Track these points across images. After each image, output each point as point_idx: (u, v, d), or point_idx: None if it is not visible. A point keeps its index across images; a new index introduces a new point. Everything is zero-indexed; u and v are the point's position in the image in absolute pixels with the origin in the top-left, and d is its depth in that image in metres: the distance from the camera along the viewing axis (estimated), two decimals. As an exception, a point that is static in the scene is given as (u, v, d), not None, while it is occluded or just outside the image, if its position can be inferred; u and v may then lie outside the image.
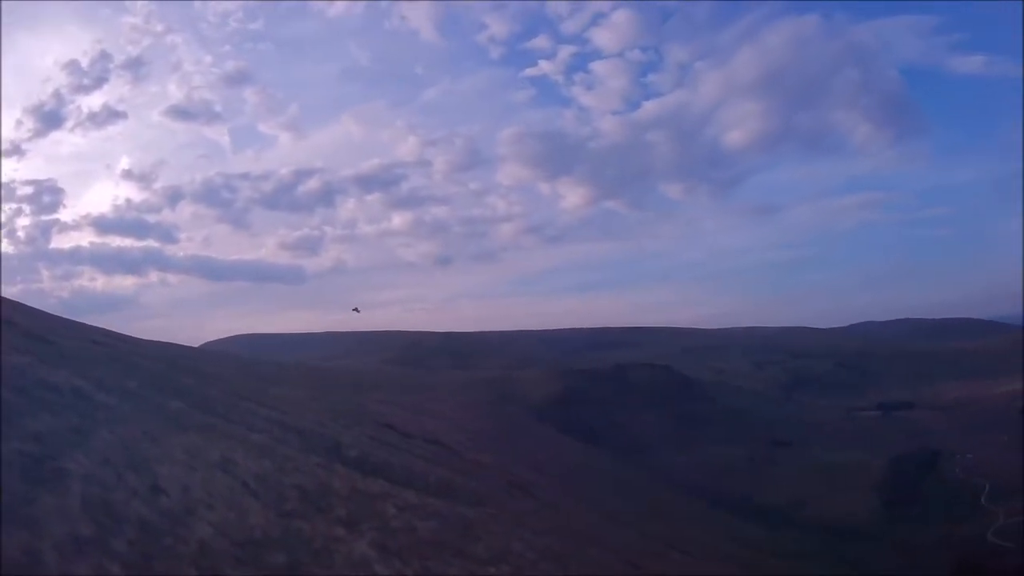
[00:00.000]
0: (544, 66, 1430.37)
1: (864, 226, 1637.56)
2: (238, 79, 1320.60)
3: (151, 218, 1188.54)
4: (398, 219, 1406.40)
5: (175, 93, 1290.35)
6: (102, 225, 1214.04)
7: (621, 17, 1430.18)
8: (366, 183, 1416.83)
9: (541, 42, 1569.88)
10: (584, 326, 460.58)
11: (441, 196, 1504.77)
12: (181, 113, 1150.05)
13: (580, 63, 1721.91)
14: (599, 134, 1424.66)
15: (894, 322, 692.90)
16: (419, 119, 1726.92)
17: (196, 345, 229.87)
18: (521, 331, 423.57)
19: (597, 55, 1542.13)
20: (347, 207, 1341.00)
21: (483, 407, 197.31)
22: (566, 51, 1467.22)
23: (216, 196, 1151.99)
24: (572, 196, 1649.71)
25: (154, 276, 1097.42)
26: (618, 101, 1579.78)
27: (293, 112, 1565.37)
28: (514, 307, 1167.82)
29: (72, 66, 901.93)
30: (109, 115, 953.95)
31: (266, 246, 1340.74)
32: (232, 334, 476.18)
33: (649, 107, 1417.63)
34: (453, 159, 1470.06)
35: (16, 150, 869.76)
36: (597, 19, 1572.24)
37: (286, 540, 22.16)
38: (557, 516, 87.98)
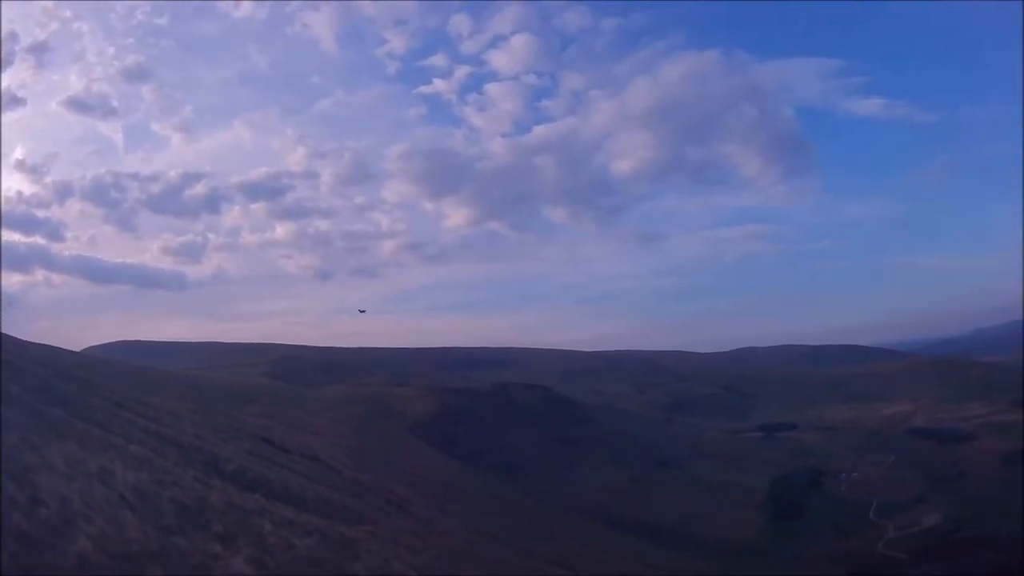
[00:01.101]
0: (439, 84, 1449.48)
1: (749, 256, 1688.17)
2: (138, 75, 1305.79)
3: (40, 213, 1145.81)
4: (281, 230, 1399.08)
5: (75, 84, 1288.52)
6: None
7: (520, 41, 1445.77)
8: (252, 191, 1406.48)
9: (439, 60, 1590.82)
10: (463, 345, 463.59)
11: (326, 209, 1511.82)
12: (79, 105, 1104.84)
13: (475, 84, 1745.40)
14: (488, 155, 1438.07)
15: (777, 348, 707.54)
16: (310, 129, 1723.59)
17: (78, 350, 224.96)
18: (399, 348, 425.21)
19: (493, 77, 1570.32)
20: (232, 215, 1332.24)
21: (361, 423, 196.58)
22: (462, 71, 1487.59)
23: (105, 195, 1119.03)
24: (456, 216, 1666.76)
25: (40, 275, 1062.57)
26: (509, 124, 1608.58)
27: (187, 114, 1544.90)
28: (393, 324, 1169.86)
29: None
30: (10, 100, 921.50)
31: (150, 250, 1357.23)
32: (114, 340, 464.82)
33: (540, 131, 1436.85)
34: (340, 172, 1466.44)
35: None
36: (497, 41, 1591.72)
37: (164, 555, 22.36)
38: (436, 535, 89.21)
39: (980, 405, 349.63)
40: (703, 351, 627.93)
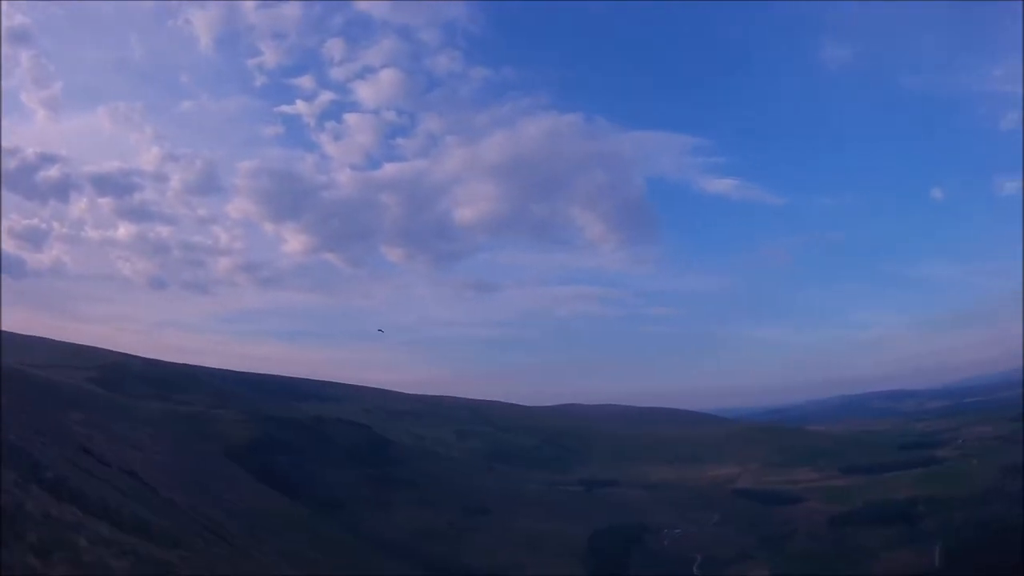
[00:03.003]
0: (301, 106, 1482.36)
1: (581, 316, 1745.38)
2: (21, 37, 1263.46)
3: None
4: (124, 230, 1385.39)
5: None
6: None
7: (388, 76, 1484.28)
8: (102, 184, 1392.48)
9: (306, 81, 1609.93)
10: (287, 374, 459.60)
11: (170, 215, 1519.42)
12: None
13: (336, 111, 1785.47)
14: (334, 185, 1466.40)
15: (603, 406, 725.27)
16: (169, 130, 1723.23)
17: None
18: (223, 369, 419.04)
19: (354, 107, 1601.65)
20: (79, 206, 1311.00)
21: (181, 443, 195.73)
22: (326, 96, 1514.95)
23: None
24: (294, 242, 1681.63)
25: None
26: (361, 157, 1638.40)
27: (56, 90, 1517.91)
28: (219, 343, 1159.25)
29: None
30: None
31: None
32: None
33: (389, 169, 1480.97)
34: (189, 180, 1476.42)
35: None
36: (365, 72, 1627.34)
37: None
38: (252, 564, 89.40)
39: (808, 470, 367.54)
40: (527, 404, 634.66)
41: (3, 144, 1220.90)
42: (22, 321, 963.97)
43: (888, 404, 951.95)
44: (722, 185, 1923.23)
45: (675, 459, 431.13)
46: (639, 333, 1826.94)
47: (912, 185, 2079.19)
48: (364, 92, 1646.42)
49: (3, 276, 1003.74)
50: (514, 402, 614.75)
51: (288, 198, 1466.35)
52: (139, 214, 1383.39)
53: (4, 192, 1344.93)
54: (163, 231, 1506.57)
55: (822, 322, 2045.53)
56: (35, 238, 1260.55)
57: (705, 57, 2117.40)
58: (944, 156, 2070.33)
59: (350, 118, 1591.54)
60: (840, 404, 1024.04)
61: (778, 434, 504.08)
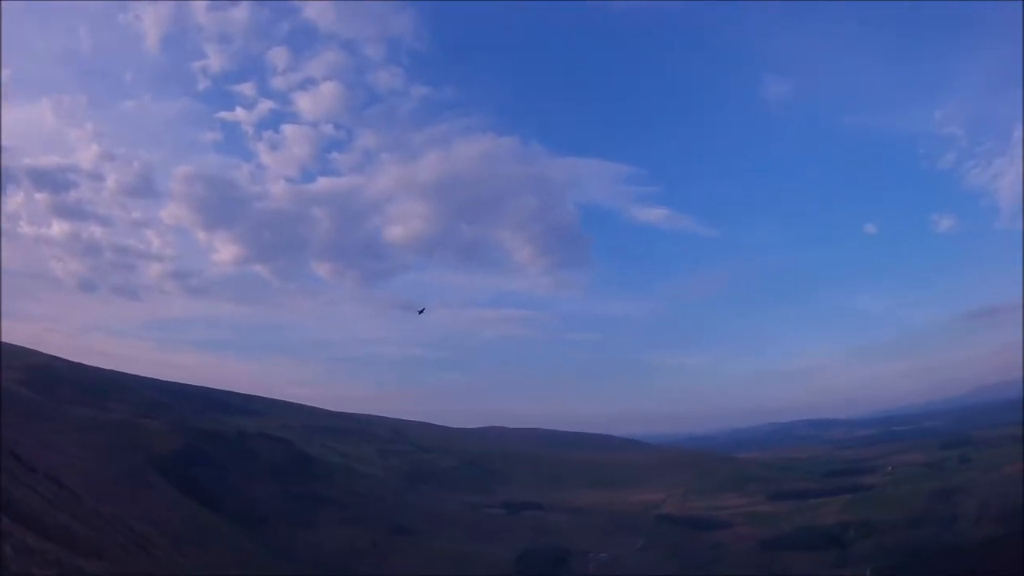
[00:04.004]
0: (240, 114, 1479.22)
1: (507, 338, 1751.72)
2: None
3: None
4: (58, 228, 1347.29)
5: None
6: None
7: (329, 89, 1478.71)
8: (39, 179, 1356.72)
9: (247, 89, 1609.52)
10: (212, 385, 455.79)
11: (104, 216, 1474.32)
12: None
13: (274, 121, 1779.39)
14: (268, 196, 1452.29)
15: (526, 429, 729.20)
16: (109, 128, 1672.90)
17: None
18: (148, 378, 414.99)
19: (293, 118, 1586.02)
20: (16, 199, 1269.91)
21: (106, 452, 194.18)
22: (266, 105, 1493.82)
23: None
24: (225, 251, 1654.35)
25: None
26: (296, 169, 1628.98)
27: (4, 78, 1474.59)
28: (145, 351, 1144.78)
29: None
30: None
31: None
32: None
33: (324, 183, 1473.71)
34: (125, 181, 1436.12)
35: None
36: (307, 84, 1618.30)
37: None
38: None
39: (734, 496, 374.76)
40: (450, 425, 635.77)
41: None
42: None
43: (815, 432, 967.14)
44: (653, 214, 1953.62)
45: (600, 484, 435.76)
46: (565, 357, 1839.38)
47: (846, 220, 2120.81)
48: (304, 103, 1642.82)
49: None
50: (437, 423, 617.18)
51: (222, 206, 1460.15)
52: (74, 212, 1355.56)
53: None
54: (96, 232, 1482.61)
55: (751, 351, 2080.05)
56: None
57: (644, 87, 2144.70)
58: (880, 193, 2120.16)
59: (288, 129, 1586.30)
60: (767, 432, 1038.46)
61: (704, 460, 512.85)
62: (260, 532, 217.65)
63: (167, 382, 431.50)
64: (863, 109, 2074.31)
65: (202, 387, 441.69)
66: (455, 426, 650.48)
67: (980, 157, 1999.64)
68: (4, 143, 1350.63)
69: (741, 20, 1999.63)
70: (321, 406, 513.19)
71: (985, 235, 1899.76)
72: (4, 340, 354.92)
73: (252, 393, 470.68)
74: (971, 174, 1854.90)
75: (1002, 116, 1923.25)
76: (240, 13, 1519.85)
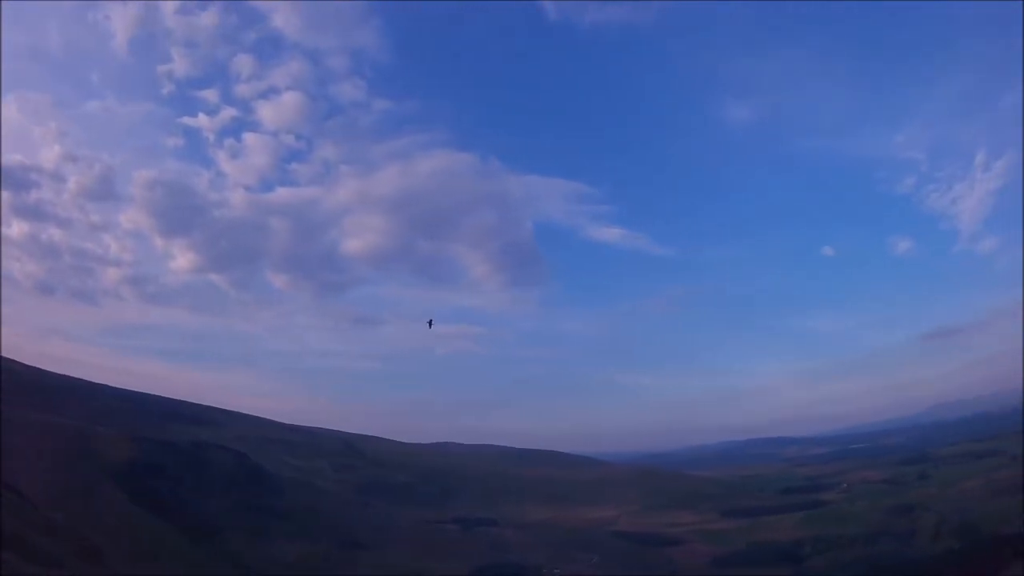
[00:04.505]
0: (203, 120, 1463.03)
1: (461, 355, 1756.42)
2: None
3: None
4: (17, 228, 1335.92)
5: None
6: None
7: (291, 99, 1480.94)
8: (2, 177, 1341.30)
9: (211, 95, 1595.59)
10: (165, 394, 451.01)
11: (64, 218, 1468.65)
12: None
13: (236, 129, 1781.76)
14: (227, 204, 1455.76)
15: (479, 446, 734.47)
16: (72, 128, 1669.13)
17: None
18: (102, 384, 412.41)
19: (255, 127, 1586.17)
20: None
21: (61, 459, 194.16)
22: (228, 113, 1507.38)
23: None
24: (182, 259, 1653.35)
25: None
26: (255, 178, 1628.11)
27: None
28: (100, 357, 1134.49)
29: None
30: None
31: None
32: None
33: (282, 193, 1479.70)
34: (87, 184, 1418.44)
35: None
36: (270, 93, 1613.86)
37: None
38: None
39: (688, 513, 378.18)
40: (404, 440, 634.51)
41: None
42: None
43: (771, 450, 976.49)
44: (609, 234, 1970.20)
45: (554, 500, 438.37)
46: (519, 374, 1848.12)
47: (804, 242, 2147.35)
48: (266, 113, 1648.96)
49: None
50: (391, 437, 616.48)
51: (180, 213, 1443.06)
52: (34, 213, 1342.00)
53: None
54: (55, 234, 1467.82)
55: (706, 370, 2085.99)
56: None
57: (605, 108, 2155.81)
58: (839, 216, 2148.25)
59: (249, 138, 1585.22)
60: (722, 450, 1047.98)
61: (657, 477, 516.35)
62: (213, 544, 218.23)
63: (122, 389, 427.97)
64: (824, 133, 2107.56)
65: (157, 396, 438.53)
66: (409, 441, 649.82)
67: (941, 181, 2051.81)
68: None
69: (704, 44, 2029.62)
70: (276, 418, 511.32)
71: (943, 258, 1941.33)
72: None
73: (207, 404, 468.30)
74: (931, 198, 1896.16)
75: (963, 142, 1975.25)
76: (209, 18, 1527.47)
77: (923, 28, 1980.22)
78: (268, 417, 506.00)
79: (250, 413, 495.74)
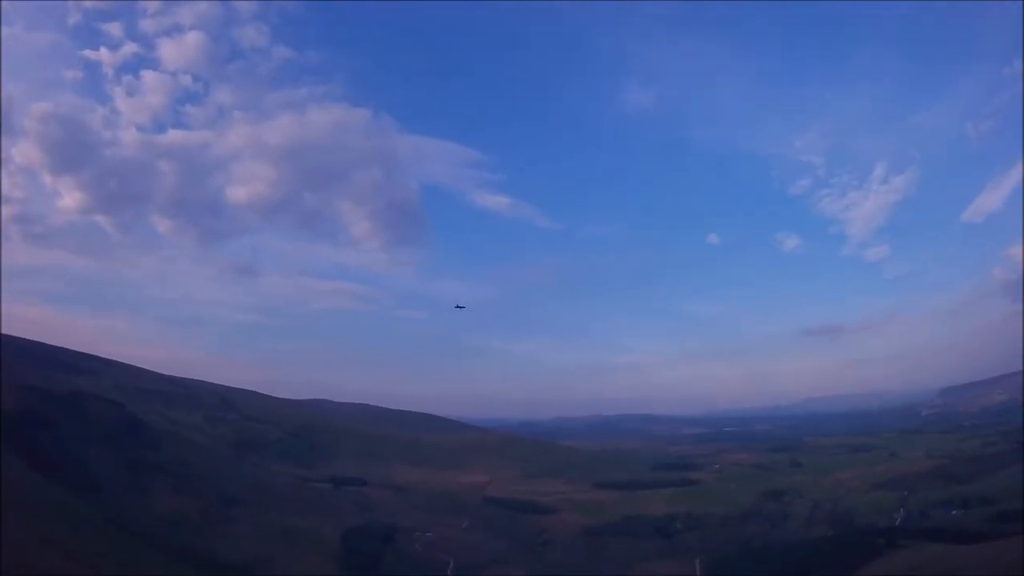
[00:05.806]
0: (104, 54, 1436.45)
1: (338, 311, 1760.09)
2: None
3: None
4: None
5: None
6: None
7: (194, 39, 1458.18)
8: None
9: (115, 29, 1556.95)
10: (46, 340, 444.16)
11: None
12: None
13: (135, 65, 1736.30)
14: (118, 143, 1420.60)
15: (352, 404, 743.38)
16: None
17: None
18: None
19: (154, 65, 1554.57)
20: None
21: None
22: (130, 48, 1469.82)
23: None
24: (69, 198, 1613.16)
25: None
26: (148, 118, 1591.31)
27: None
28: None
29: None
30: None
31: None
32: None
33: (174, 136, 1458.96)
34: None
35: None
36: (173, 31, 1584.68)
37: None
38: (10, 552, 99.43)
39: (560, 483, 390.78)
40: (276, 395, 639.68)
41: None
42: None
43: (642, 426, 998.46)
44: (496, 201, 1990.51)
45: (424, 463, 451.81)
46: (395, 334, 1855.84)
47: (689, 227, 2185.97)
48: (167, 51, 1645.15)
49: None
50: (264, 391, 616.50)
51: (72, 149, 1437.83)
52: None
53: None
54: None
55: (582, 343, 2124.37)
56: None
57: (503, 77, 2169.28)
58: (728, 207, 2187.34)
59: (148, 75, 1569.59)
60: (594, 423, 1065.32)
61: (530, 446, 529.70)
62: (95, 500, 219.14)
63: (5, 336, 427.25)
64: (723, 126, 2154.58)
65: (37, 342, 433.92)
66: (282, 396, 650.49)
67: (835, 187, 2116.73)
68: None
69: (614, 26, 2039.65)
70: (153, 368, 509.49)
71: (830, 260, 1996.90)
72: None
73: (85, 351, 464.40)
74: (823, 202, 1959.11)
75: (863, 152, 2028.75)
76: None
77: (837, 38, 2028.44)
78: (146, 367, 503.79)
79: (129, 362, 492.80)
